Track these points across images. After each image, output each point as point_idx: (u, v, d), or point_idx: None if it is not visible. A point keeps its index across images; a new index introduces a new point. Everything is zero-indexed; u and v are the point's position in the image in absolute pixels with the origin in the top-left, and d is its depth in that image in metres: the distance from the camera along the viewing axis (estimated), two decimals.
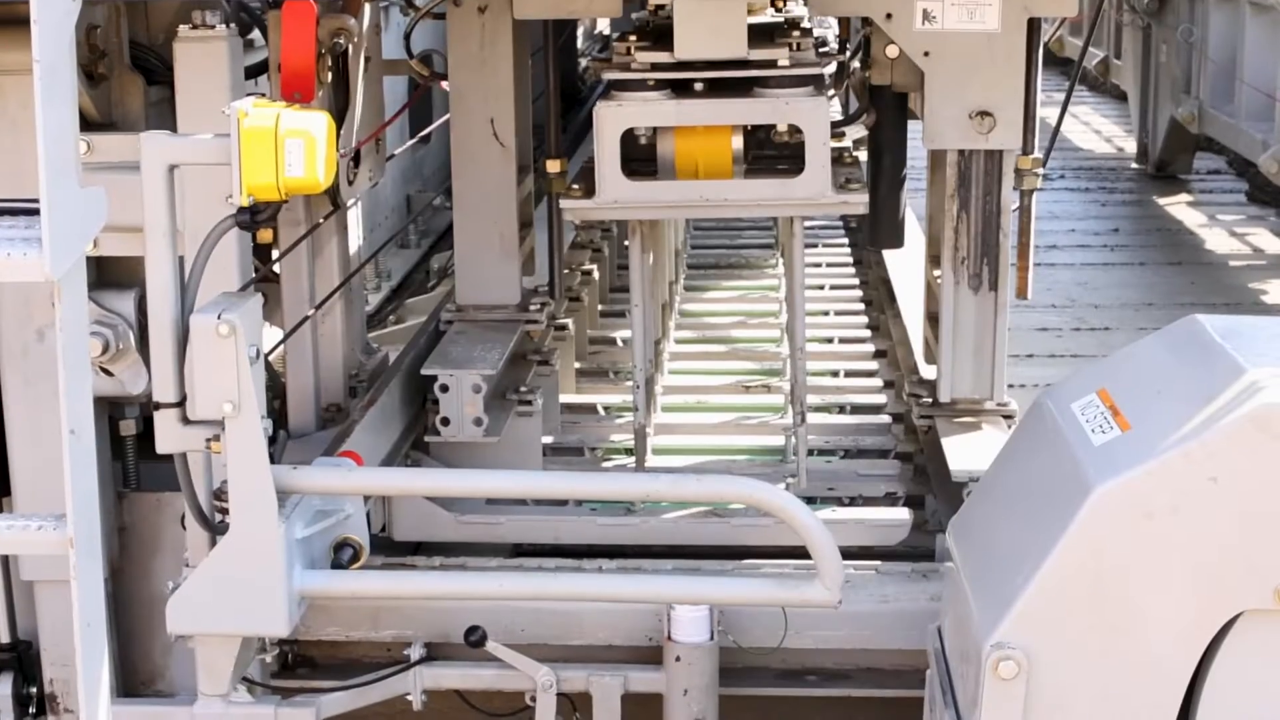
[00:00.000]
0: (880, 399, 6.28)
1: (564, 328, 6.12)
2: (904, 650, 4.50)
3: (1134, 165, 11.74)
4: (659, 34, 4.78)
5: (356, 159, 5.15)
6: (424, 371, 5.18)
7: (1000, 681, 3.35)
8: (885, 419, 6.04)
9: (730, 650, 4.46)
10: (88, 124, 4.48)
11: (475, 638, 4.38)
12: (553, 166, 5.48)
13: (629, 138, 4.60)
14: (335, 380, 5.45)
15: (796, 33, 4.71)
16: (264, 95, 4.20)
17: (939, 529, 5.08)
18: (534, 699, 4.42)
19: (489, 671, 4.49)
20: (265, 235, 5.17)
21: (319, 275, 5.41)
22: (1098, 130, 14.01)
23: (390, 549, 5.17)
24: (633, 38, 4.72)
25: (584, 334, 6.71)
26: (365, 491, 4.10)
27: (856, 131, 5.22)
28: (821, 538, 3.73)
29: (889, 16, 4.79)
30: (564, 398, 6.15)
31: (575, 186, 4.75)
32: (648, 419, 5.19)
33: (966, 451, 5.00)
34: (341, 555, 3.98)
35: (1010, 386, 5.26)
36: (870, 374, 6.58)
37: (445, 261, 7.85)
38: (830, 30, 6.51)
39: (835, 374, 6.55)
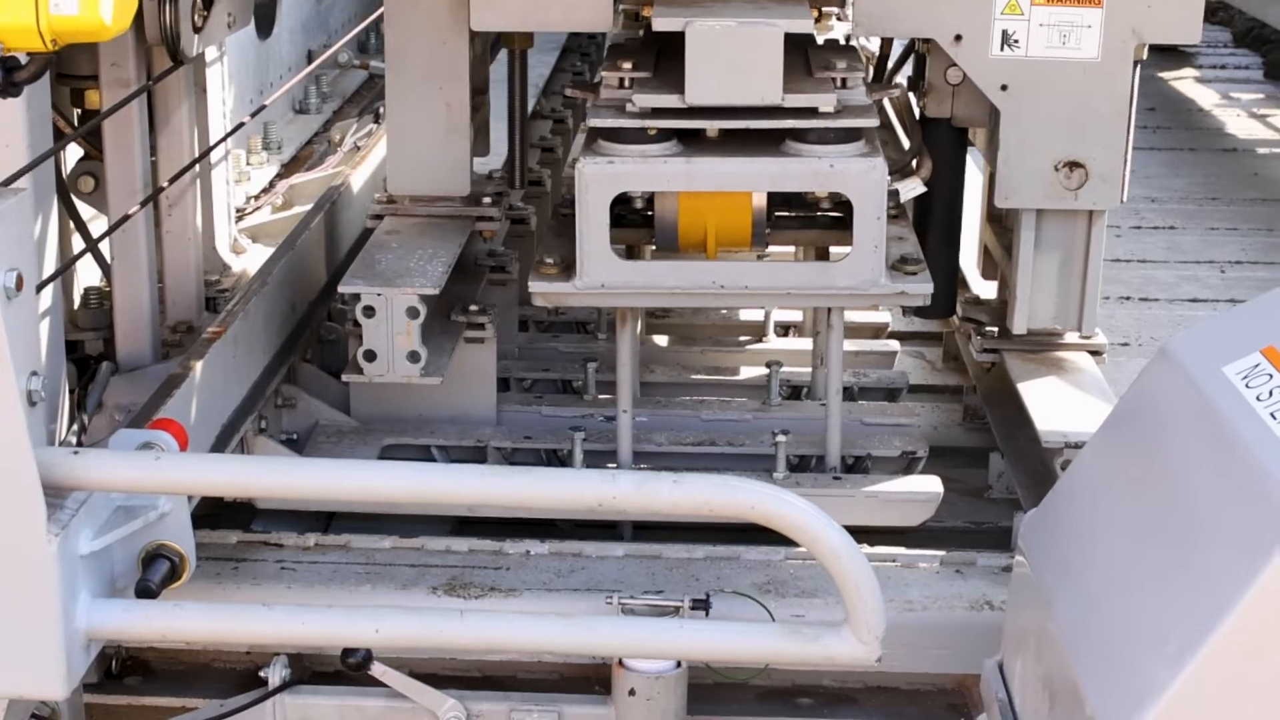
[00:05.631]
0: (882, 317, 5.07)
1: (523, 221, 4.95)
2: (929, 674, 3.71)
3: None
4: (660, 52, 3.88)
5: None
6: (343, 288, 3.97)
7: None
8: (891, 345, 4.85)
9: (698, 667, 3.60)
10: None
11: (356, 660, 3.37)
12: None
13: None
14: (186, 291, 4.42)
15: (842, 63, 3.83)
16: None
17: (1007, 498, 4.23)
18: None
19: (377, 701, 3.53)
20: (92, 98, 4.09)
21: (165, 152, 4.37)
22: None
23: (252, 516, 4.05)
24: (626, 65, 3.78)
25: (545, 228, 5.47)
26: (183, 490, 2.87)
27: (912, 188, 4.21)
28: (857, 572, 2.59)
29: (958, 38, 4.01)
30: (523, 312, 4.99)
31: (549, 262, 3.79)
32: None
33: (1056, 405, 4.04)
34: (152, 573, 2.77)
35: None
36: None
37: (349, 130, 6.61)
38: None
39: None
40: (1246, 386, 2.54)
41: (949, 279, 4.44)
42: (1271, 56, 9.81)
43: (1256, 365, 2.58)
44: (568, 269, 3.75)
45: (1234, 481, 2.39)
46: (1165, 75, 9.51)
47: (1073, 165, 4.04)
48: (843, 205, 3.77)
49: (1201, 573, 2.35)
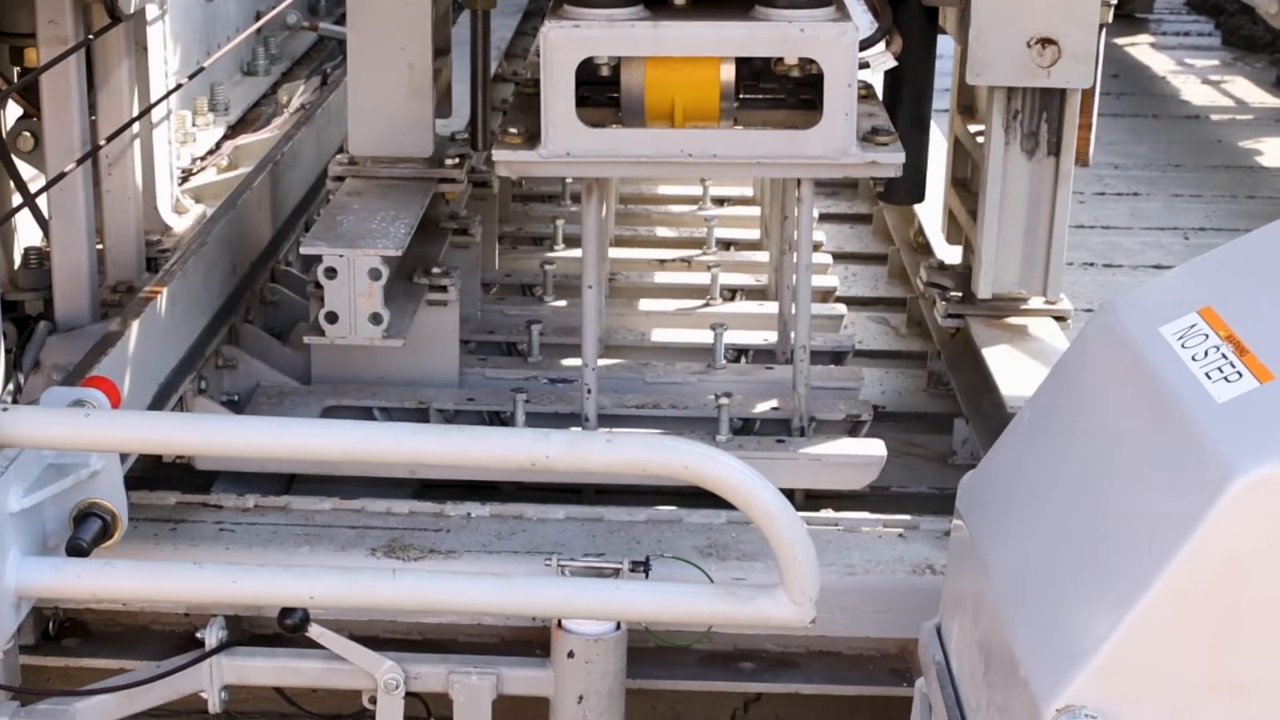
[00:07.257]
0: (829, 281, 5.02)
1: (486, 184, 4.90)
2: (871, 638, 3.66)
3: None
4: None
5: None
6: (305, 250, 3.92)
7: None
8: (839, 309, 4.80)
9: (640, 631, 3.52)
10: None
11: (293, 621, 3.29)
12: None
13: (584, 63, 3.61)
14: (126, 251, 4.38)
15: None
16: None
17: (971, 464, 4.09)
18: (374, 701, 3.38)
19: (315, 663, 3.40)
20: (30, 56, 4.07)
21: (105, 111, 4.32)
22: None
23: (192, 479, 3.97)
24: None
25: (507, 190, 5.53)
26: (112, 447, 2.83)
27: (882, 61, 4.14)
28: (791, 533, 2.55)
29: None
30: (485, 275, 4.93)
31: (513, 131, 3.69)
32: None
33: (1020, 370, 4.06)
34: (84, 532, 2.74)
35: None
36: (814, 246, 5.28)
37: (296, 92, 6.56)
38: None
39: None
40: (1182, 346, 2.51)
41: (917, 164, 4.36)
42: (1228, 23, 9.82)
43: (1193, 326, 2.55)
44: (532, 139, 3.65)
45: (1168, 441, 2.36)
46: (1123, 42, 9.50)
47: (1045, 42, 3.96)
48: (811, 86, 3.67)
49: (1134, 534, 2.32)
